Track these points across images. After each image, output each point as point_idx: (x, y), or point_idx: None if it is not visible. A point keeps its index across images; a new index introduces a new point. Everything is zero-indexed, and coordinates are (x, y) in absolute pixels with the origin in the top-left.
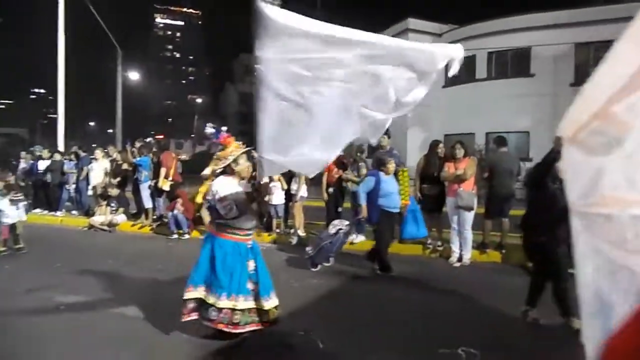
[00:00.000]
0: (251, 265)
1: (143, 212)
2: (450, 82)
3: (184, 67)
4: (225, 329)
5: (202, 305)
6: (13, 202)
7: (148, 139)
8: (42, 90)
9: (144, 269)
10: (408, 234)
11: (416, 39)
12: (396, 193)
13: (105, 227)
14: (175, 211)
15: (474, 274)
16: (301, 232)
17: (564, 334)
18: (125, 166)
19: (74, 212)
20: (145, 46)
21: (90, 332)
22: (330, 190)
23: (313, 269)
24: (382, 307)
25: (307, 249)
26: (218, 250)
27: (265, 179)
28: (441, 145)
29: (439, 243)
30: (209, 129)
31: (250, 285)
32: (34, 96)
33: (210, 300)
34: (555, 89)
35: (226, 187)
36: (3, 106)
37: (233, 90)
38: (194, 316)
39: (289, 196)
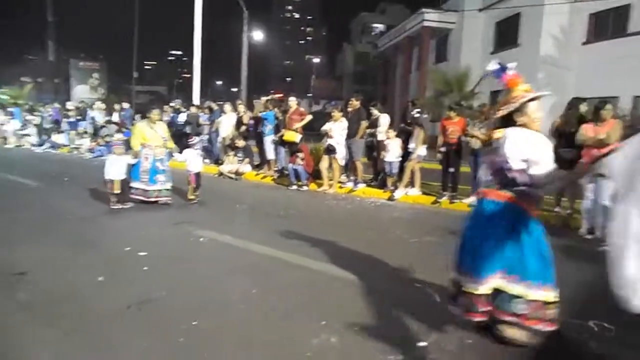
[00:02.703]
0: None
1: (266, 163)
2: (594, 37)
3: (302, 28)
4: (539, 327)
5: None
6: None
7: (268, 97)
8: (178, 52)
9: (266, 214)
10: None
11: None
12: None
13: (233, 175)
14: (296, 164)
15: None
16: (416, 191)
17: None
18: (246, 119)
19: (206, 160)
20: (269, 7)
21: (221, 261)
22: (443, 149)
23: None
24: None
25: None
26: (525, 229)
27: (382, 136)
28: (584, 104)
29: (569, 211)
30: (492, 65)
31: None
32: (171, 58)
33: (515, 290)
34: None
35: (538, 145)
36: (148, 67)
37: (350, 50)
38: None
39: (406, 155)
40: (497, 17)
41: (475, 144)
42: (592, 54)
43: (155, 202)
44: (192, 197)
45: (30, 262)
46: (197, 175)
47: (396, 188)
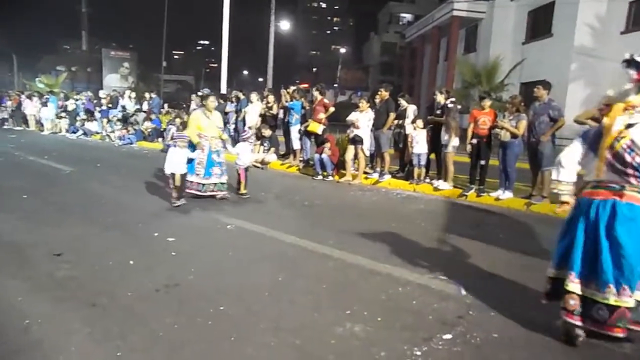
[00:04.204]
0: None
1: (292, 153)
2: (633, 26)
3: (329, 18)
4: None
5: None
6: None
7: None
8: (206, 42)
9: (292, 203)
10: None
11: None
12: None
13: (258, 165)
14: (323, 155)
15: None
16: (449, 185)
17: None
18: (275, 109)
19: (232, 148)
20: None
21: (247, 249)
22: (474, 141)
23: None
24: (528, 265)
25: None
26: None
27: (409, 128)
28: None
29: None
30: None
31: None
32: (199, 47)
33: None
34: None
35: None
36: (177, 57)
37: (377, 40)
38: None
39: (434, 146)
40: (530, 6)
41: (505, 136)
42: (631, 44)
43: (212, 196)
44: (245, 191)
45: (66, 244)
46: (246, 170)
47: (420, 180)
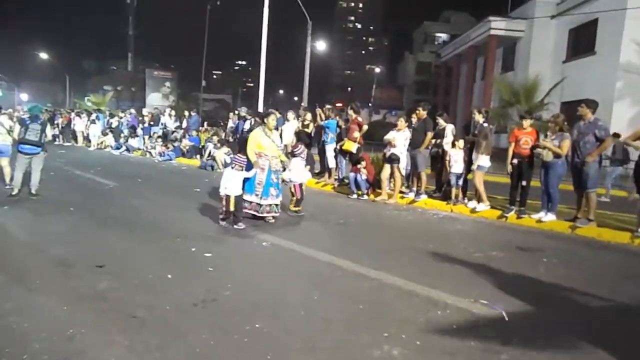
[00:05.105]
0: None
1: (327, 171)
2: None
3: (364, 38)
4: None
5: None
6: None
7: (329, 106)
8: (243, 62)
9: (327, 222)
10: None
11: None
12: None
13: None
14: (360, 174)
15: None
16: (485, 205)
17: None
18: (311, 128)
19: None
20: (332, 18)
21: (283, 266)
22: (515, 161)
23: None
24: (575, 290)
25: None
26: None
27: (447, 148)
28: None
29: None
30: None
31: None
32: (236, 67)
33: None
34: None
35: None
36: (215, 76)
37: (412, 60)
38: None
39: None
40: (571, 24)
41: (547, 156)
42: None
43: (266, 217)
44: (296, 209)
45: (108, 257)
46: (301, 186)
47: (457, 201)
